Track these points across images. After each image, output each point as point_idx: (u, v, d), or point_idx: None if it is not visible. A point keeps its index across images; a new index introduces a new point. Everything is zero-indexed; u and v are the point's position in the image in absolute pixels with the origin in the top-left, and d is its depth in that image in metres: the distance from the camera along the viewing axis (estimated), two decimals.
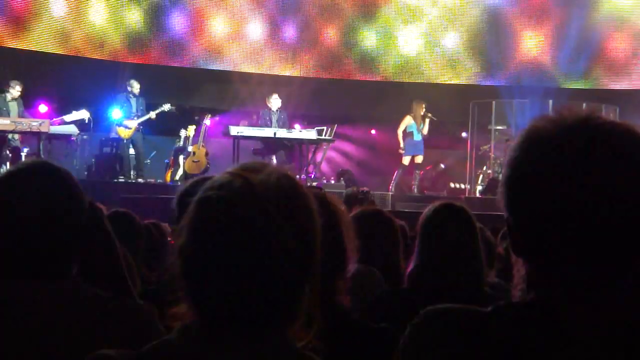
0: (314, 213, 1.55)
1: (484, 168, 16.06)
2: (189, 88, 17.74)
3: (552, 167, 1.36)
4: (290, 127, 15.35)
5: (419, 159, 15.66)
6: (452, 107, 16.74)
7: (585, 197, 1.34)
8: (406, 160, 15.57)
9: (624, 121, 1.42)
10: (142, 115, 15.26)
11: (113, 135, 15.81)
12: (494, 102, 16.17)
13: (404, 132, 15.53)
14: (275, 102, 15.42)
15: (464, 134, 17.27)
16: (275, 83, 17.18)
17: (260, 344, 1.50)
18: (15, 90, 14.32)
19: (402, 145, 15.50)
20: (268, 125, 15.20)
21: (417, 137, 15.45)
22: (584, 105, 13.45)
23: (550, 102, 15.08)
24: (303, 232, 1.51)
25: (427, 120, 15.40)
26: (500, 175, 1.74)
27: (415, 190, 15.81)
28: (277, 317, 1.51)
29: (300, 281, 1.52)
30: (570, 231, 1.35)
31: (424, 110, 15.42)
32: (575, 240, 1.35)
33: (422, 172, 16.17)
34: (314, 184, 13.71)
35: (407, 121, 15.49)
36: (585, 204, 1.34)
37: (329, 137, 15.52)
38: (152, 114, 15.29)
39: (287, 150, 15.42)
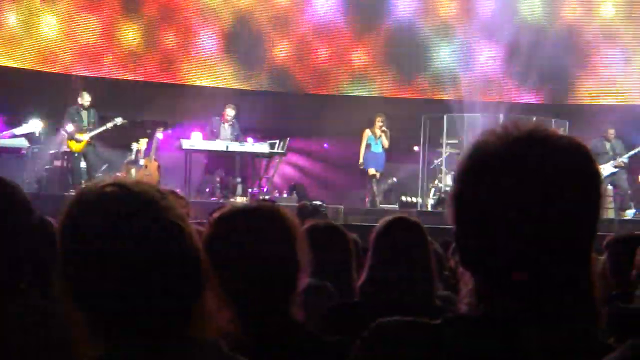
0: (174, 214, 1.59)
1: (436, 182, 16.14)
2: (141, 101, 17.61)
3: (496, 180, 1.38)
4: (243, 140, 15.34)
5: (373, 171, 15.75)
6: (404, 121, 16.81)
7: (528, 209, 1.35)
8: (371, 171, 15.72)
9: (568, 135, 1.44)
10: (94, 128, 15.07)
11: (64, 148, 15.61)
12: (445, 116, 16.26)
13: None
14: (230, 112, 15.42)
15: (415, 148, 17.35)
16: (228, 96, 17.12)
17: (162, 341, 1.53)
18: None
19: (361, 160, 15.64)
20: (215, 135, 15.20)
21: (376, 149, 15.61)
22: (534, 119, 13.53)
23: (501, 116, 15.19)
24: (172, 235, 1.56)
25: (384, 134, 15.53)
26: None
27: (368, 203, 15.87)
28: (174, 316, 1.55)
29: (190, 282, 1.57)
30: (515, 244, 1.37)
31: (381, 122, 15.54)
32: (521, 252, 1.37)
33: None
34: (267, 197, 13.66)
35: (366, 134, 15.67)
36: (528, 217, 1.35)
37: (281, 151, 15.54)
38: (108, 125, 15.09)
39: (238, 164, 15.42)
